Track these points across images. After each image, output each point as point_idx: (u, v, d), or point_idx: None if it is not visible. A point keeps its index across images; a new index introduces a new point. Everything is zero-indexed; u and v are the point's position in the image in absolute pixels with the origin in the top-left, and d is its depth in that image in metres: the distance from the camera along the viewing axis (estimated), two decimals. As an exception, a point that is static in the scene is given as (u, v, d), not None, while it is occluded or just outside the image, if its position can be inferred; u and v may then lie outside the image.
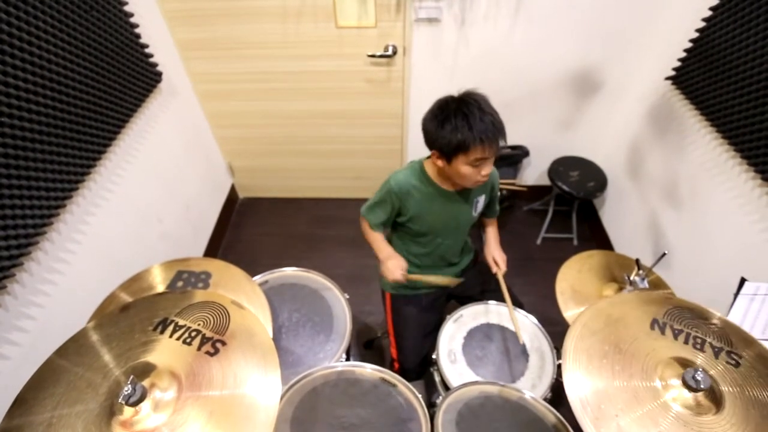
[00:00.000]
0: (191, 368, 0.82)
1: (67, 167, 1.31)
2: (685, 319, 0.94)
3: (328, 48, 1.96)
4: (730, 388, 0.82)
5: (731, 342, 0.90)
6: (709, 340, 0.90)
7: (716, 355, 0.88)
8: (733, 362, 0.86)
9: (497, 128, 1.10)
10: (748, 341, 0.90)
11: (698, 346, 0.89)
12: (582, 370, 0.85)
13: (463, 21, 1.86)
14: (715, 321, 0.94)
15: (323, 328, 1.32)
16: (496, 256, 1.42)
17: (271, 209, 2.73)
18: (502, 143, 1.13)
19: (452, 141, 1.09)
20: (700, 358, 0.87)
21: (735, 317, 1.07)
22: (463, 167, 1.13)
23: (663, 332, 0.91)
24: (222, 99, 2.21)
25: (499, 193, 1.51)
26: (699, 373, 0.79)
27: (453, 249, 1.46)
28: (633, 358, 0.87)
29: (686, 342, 0.90)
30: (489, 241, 1.48)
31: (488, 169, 1.15)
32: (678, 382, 0.82)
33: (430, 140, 1.17)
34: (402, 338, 1.47)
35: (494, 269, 1.41)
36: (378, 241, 1.42)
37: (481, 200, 1.39)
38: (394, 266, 1.33)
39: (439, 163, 1.19)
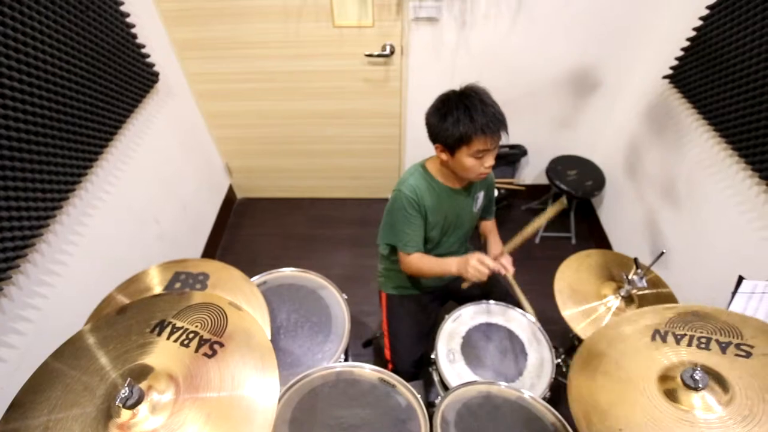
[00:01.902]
0: (189, 370, 0.81)
1: (63, 168, 1.31)
2: (689, 323, 0.92)
3: (325, 47, 1.95)
4: (741, 381, 0.80)
5: (741, 334, 0.88)
6: (715, 337, 0.88)
7: (723, 350, 0.86)
8: (743, 354, 0.85)
9: (499, 119, 1.11)
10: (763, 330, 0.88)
11: (703, 346, 0.88)
12: (586, 393, 0.84)
13: (461, 20, 1.85)
14: (724, 318, 0.92)
15: (322, 329, 1.32)
16: (501, 259, 1.41)
17: (268, 209, 2.72)
18: (504, 135, 1.14)
19: (454, 133, 1.11)
20: (704, 357, 0.86)
21: (733, 316, 1.07)
22: (466, 159, 1.15)
23: (665, 340, 0.90)
24: (219, 99, 2.20)
25: (496, 192, 1.52)
26: (697, 372, 0.79)
27: (453, 248, 1.46)
28: (636, 370, 0.86)
29: (690, 344, 0.88)
30: (492, 247, 1.47)
31: (491, 161, 1.17)
32: (680, 384, 0.81)
33: (433, 133, 1.19)
34: (396, 339, 1.47)
35: (502, 272, 1.39)
36: (433, 261, 1.30)
37: (481, 196, 1.40)
38: (474, 264, 1.17)
39: (443, 156, 1.20)
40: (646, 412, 0.80)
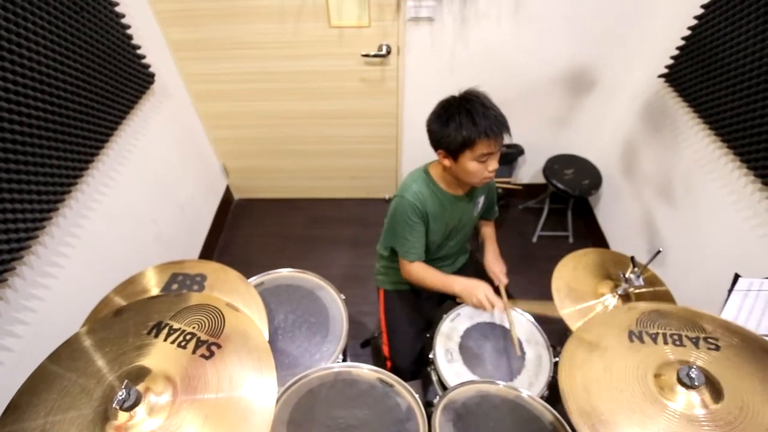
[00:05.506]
0: (186, 372, 0.81)
1: (59, 170, 1.30)
2: (656, 321, 0.95)
3: (321, 48, 1.95)
4: (722, 375, 0.82)
5: (702, 328, 0.92)
6: (684, 333, 0.92)
7: (696, 345, 0.89)
8: (713, 347, 0.88)
9: (501, 122, 1.13)
10: (715, 321, 0.93)
11: (678, 343, 0.90)
12: (586, 408, 0.83)
13: (458, 20, 1.85)
14: (681, 313, 0.96)
15: (319, 329, 1.32)
16: (495, 269, 1.42)
17: (266, 210, 2.72)
18: (506, 137, 1.15)
19: (457, 138, 1.12)
20: (684, 354, 0.88)
21: (729, 313, 1.08)
22: (470, 164, 1.15)
23: (642, 341, 0.92)
24: (215, 99, 2.19)
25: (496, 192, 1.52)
26: (693, 370, 0.80)
27: (453, 250, 1.47)
28: (626, 377, 0.86)
29: (666, 342, 0.91)
30: (488, 255, 1.48)
31: (495, 164, 1.17)
32: (677, 386, 0.82)
33: (436, 140, 1.19)
34: (395, 335, 1.47)
35: (496, 282, 1.40)
36: (437, 276, 1.31)
37: (481, 200, 1.40)
38: (480, 298, 1.21)
39: (446, 162, 1.20)
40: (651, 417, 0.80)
